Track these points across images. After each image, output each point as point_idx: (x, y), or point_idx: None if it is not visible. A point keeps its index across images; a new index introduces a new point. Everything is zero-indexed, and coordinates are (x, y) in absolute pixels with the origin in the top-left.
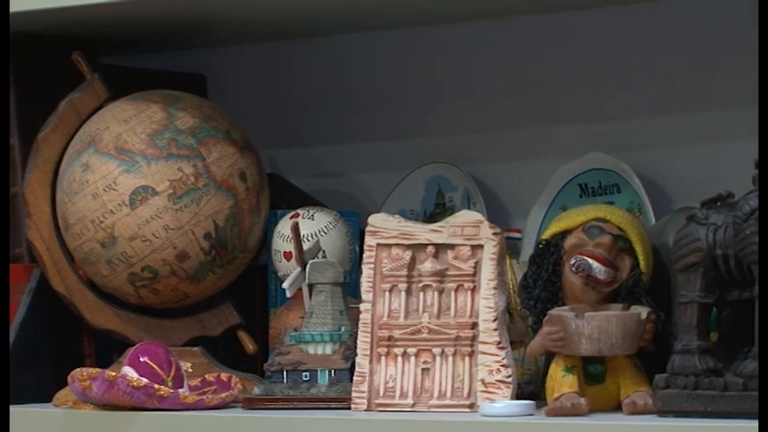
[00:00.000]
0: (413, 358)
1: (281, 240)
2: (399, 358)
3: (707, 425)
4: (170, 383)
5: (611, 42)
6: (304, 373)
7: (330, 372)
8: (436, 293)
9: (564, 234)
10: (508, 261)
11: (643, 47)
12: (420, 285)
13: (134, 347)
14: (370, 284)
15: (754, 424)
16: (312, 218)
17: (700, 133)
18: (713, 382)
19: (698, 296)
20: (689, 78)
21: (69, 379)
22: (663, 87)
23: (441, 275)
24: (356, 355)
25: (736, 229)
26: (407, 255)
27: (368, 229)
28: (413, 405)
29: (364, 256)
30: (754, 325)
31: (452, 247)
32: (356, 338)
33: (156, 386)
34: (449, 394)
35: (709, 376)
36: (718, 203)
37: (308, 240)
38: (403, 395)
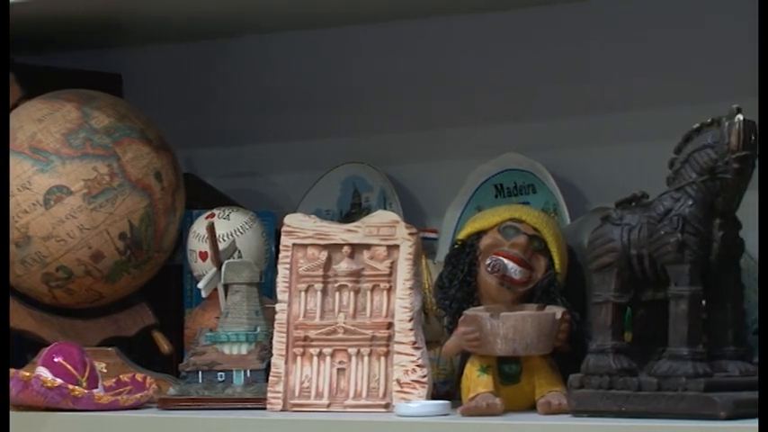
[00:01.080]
0: (328, 358)
1: (197, 240)
2: (315, 358)
3: (621, 424)
4: (84, 384)
5: (526, 43)
6: (219, 374)
7: (245, 372)
8: (352, 293)
9: (479, 234)
10: (424, 261)
11: (556, 48)
12: (336, 285)
13: (48, 348)
14: (286, 284)
15: (668, 423)
16: (228, 218)
17: (615, 134)
18: (627, 382)
19: (612, 296)
20: (604, 79)
21: None
22: (577, 88)
23: (356, 275)
24: (272, 355)
25: (650, 230)
26: (323, 255)
27: (284, 229)
28: (328, 405)
29: (280, 256)
30: (668, 325)
31: (368, 247)
32: (272, 339)
33: (71, 387)
34: (364, 394)
35: (624, 376)
36: (633, 204)
37: (224, 240)
38: (318, 395)
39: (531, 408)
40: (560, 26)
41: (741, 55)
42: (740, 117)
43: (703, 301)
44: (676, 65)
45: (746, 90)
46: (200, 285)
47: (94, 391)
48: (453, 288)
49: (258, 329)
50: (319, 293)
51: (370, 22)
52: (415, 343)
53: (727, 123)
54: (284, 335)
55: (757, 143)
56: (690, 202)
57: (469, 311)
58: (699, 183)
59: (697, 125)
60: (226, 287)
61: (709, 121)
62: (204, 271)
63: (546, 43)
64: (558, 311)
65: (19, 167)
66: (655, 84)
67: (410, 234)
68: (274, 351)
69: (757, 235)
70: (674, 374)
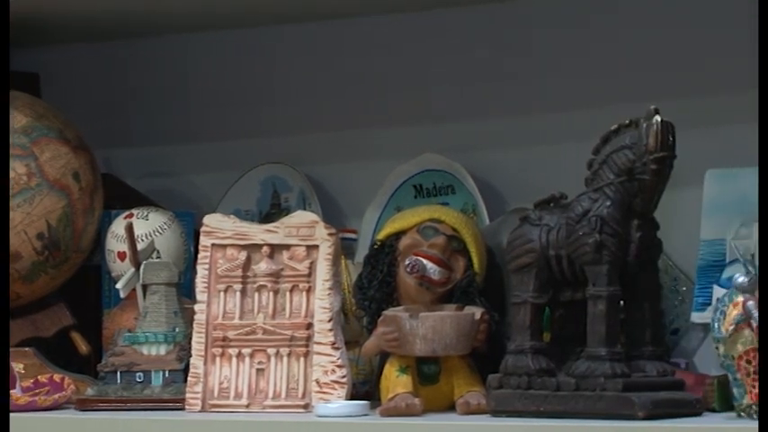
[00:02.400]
0: (248, 359)
1: (115, 241)
2: (234, 359)
3: (539, 424)
4: None
5: (445, 44)
6: (138, 374)
7: (164, 372)
8: (271, 294)
9: (398, 235)
10: (343, 261)
11: (475, 48)
12: (255, 286)
13: None
14: (205, 285)
15: (587, 423)
16: (146, 218)
17: (533, 135)
18: (546, 382)
19: (531, 297)
20: (523, 80)
21: None
22: (496, 89)
23: (276, 276)
24: (190, 355)
25: (568, 230)
26: (242, 255)
27: (203, 229)
28: (247, 405)
29: (199, 256)
30: (586, 325)
31: (288, 247)
32: (190, 339)
33: None
34: (283, 395)
35: (542, 376)
36: (552, 204)
37: (143, 241)
38: (238, 396)
39: (450, 408)
40: (479, 27)
41: (659, 56)
42: (658, 118)
43: (621, 302)
44: (595, 66)
45: (664, 91)
46: (118, 286)
47: (12, 391)
48: (372, 288)
49: (177, 330)
50: (238, 294)
51: (289, 22)
52: (334, 343)
53: (645, 124)
54: (203, 335)
55: (674, 144)
56: (608, 203)
57: (389, 312)
58: (617, 184)
59: (615, 126)
60: (144, 287)
61: (627, 122)
62: (123, 271)
63: (465, 44)
64: (476, 312)
65: None
66: (573, 85)
67: (329, 234)
68: (193, 352)
69: (674, 236)
70: (593, 375)
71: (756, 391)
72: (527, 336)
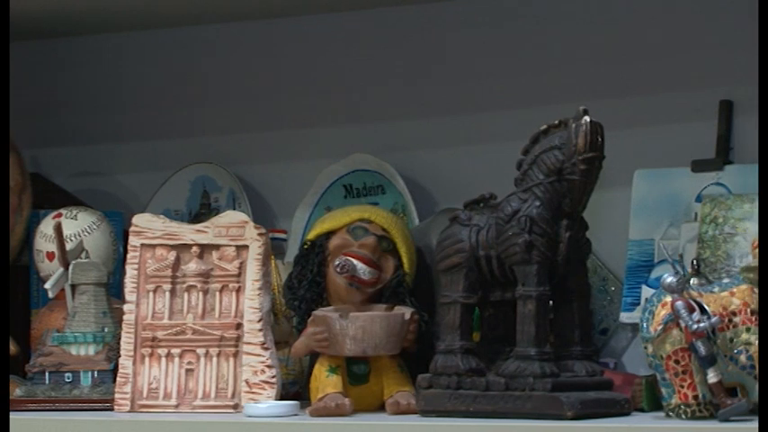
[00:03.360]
0: (177, 359)
1: (44, 240)
2: (163, 359)
3: (469, 424)
4: None
5: (374, 43)
6: (66, 375)
7: (93, 373)
8: (201, 294)
9: (328, 235)
10: (273, 262)
11: (405, 48)
12: (184, 286)
13: None
14: (134, 285)
15: (516, 423)
16: (75, 218)
17: (463, 135)
18: (475, 382)
19: (461, 297)
20: (452, 80)
21: None
22: (426, 89)
23: (205, 276)
24: (119, 356)
25: (498, 231)
26: (172, 255)
27: (132, 229)
28: (177, 406)
29: (128, 256)
30: (516, 325)
31: (217, 247)
32: (119, 339)
33: None
34: (213, 395)
35: (472, 376)
36: (481, 205)
37: (71, 240)
38: (167, 396)
39: (380, 408)
40: (409, 27)
41: (588, 56)
42: (587, 119)
43: (550, 302)
44: (524, 66)
45: (593, 92)
46: (46, 286)
47: None
48: (302, 288)
49: (106, 330)
50: (168, 294)
51: (217, 21)
52: (263, 344)
53: (574, 125)
54: (132, 336)
55: (603, 145)
56: (537, 203)
57: (318, 312)
58: (546, 184)
59: (544, 127)
60: (73, 287)
61: (556, 122)
62: (51, 271)
63: (395, 44)
64: (406, 312)
65: None
66: (503, 85)
67: (259, 234)
68: (122, 352)
69: (603, 236)
70: (522, 374)
71: (685, 390)
72: (457, 336)
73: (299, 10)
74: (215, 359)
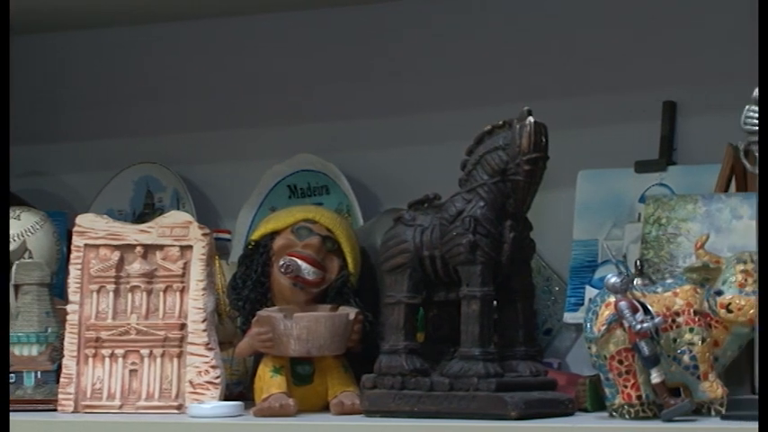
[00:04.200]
0: (121, 359)
1: None
2: (107, 359)
3: (413, 424)
4: None
5: (319, 43)
6: (10, 375)
7: (36, 373)
8: (145, 294)
9: (273, 235)
10: (217, 262)
11: (350, 48)
12: (128, 286)
13: None
14: (78, 285)
15: (460, 423)
16: (18, 218)
17: (407, 135)
18: (420, 382)
19: (405, 297)
20: (397, 80)
21: None
22: (370, 89)
23: (149, 276)
24: (63, 356)
25: (442, 231)
26: (116, 255)
27: (75, 229)
28: (120, 406)
29: (72, 256)
30: (460, 325)
31: (161, 247)
32: (63, 340)
33: None
34: (157, 395)
35: (416, 376)
36: (425, 205)
37: (15, 241)
38: (110, 396)
39: (325, 408)
40: (353, 27)
41: (532, 57)
42: (531, 119)
43: (494, 302)
44: (468, 67)
45: (537, 92)
46: None
47: None
48: (247, 289)
49: (49, 330)
50: (111, 294)
51: (162, 21)
52: (208, 344)
53: (518, 126)
54: (76, 336)
55: (547, 145)
56: (481, 204)
57: (263, 312)
58: (490, 184)
59: (488, 127)
60: (16, 288)
61: (500, 123)
62: None
63: (339, 44)
64: (351, 312)
65: None
66: (447, 85)
67: (203, 235)
68: (66, 352)
69: (547, 236)
70: (466, 375)
71: (628, 390)
72: (401, 336)
73: (244, 9)
74: (159, 360)
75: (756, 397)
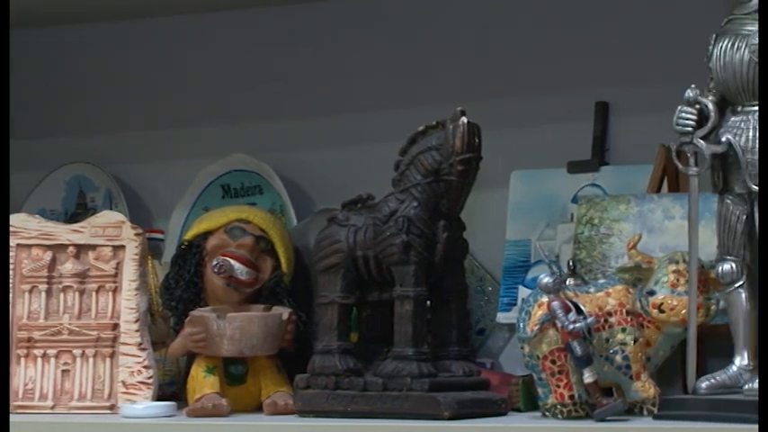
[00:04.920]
0: (53, 360)
1: None
2: (39, 360)
3: (346, 424)
4: None
5: (251, 43)
6: None
7: None
8: (77, 294)
9: (206, 235)
10: (150, 262)
11: (281, 48)
12: (61, 286)
13: None
14: (10, 285)
15: (393, 423)
16: None
17: (340, 135)
18: (353, 383)
19: (338, 297)
20: (328, 81)
21: None
22: (300, 90)
23: (82, 276)
24: None
25: (375, 231)
26: (48, 255)
27: None
28: (53, 407)
29: None
30: (394, 325)
31: (94, 247)
32: None
33: None
34: (89, 396)
35: (349, 376)
36: (359, 205)
37: None
38: (43, 397)
39: (258, 408)
40: (286, 27)
41: (465, 58)
42: (464, 120)
43: (428, 302)
44: (402, 67)
45: (470, 93)
46: None
47: None
48: (180, 289)
49: None
50: (44, 294)
51: (93, 21)
52: (140, 344)
53: (451, 126)
54: (7, 336)
55: (480, 146)
56: (415, 204)
57: (196, 312)
58: (423, 184)
59: (422, 127)
60: None
61: (433, 123)
62: None
63: (271, 44)
64: (284, 312)
65: None
66: (380, 86)
67: (136, 234)
68: None
69: (480, 236)
70: (399, 375)
71: (561, 390)
72: (334, 336)
73: (176, 9)
74: (91, 360)
75: (688, 396)
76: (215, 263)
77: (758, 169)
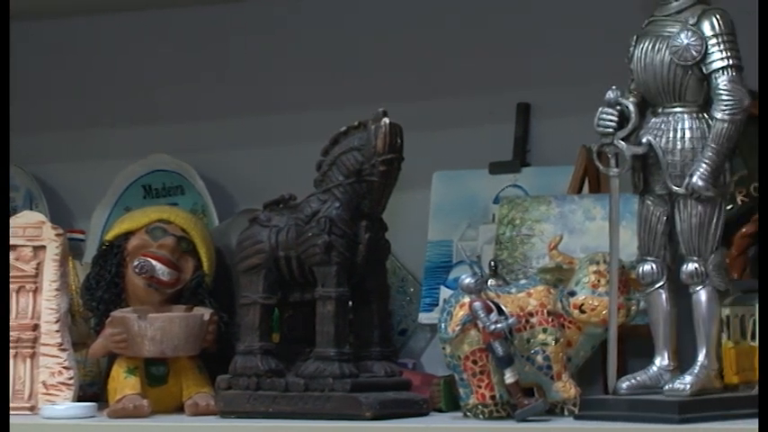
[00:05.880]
0: None
1: None
2: None
3: (268, 425)
4: None
5: (172, 44)
6: None
7: None
8: None
9: (127, 235)
10: (71, 262)
11: (202, 48)
12: None
13: None
14: None
15: (315, 424)
16: None
17: (262, 136)
18: (275, 383)
19: (260, 297)
20: (251, 81)
21: None
22: (224, 90)
23: None
24: None
25: (298, 231)
26: None
27: None
28: None
29: None
30: (316, 326)
31: (14, 248)
32: None
33: None
34: (9, 396)
35: (271, 377)
36: (281, 206)
37: None
38: None
39: (179, 409)
40: (207, 27)
41: (388, 58)
42: (386, 120)
43: (350, 303)
44: (322, 68)
45: (392, 94)
46: None
47: None
48: (101, 289)
49: None
50: None
51: (14, 19)
52: (61, 345)
53: (373, 127)
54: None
55: (402, 146)
56: (337, 204)
57: (117, 313)
58: (346, 185)
59: (344, 128)
60: None
61: (356, 124)
62: None
63: (193, 44)
64: (206, 313)
65: None
66: (303, 86)
67: (57, 235)
68: None
69: (402, 237)
70: (321, 375)
71: (482, 391)
72: (256, 337)
73: (97, 8)
74: (12, 360)
75: (609, 397)
76: (136, 263)
77: (759, 170)
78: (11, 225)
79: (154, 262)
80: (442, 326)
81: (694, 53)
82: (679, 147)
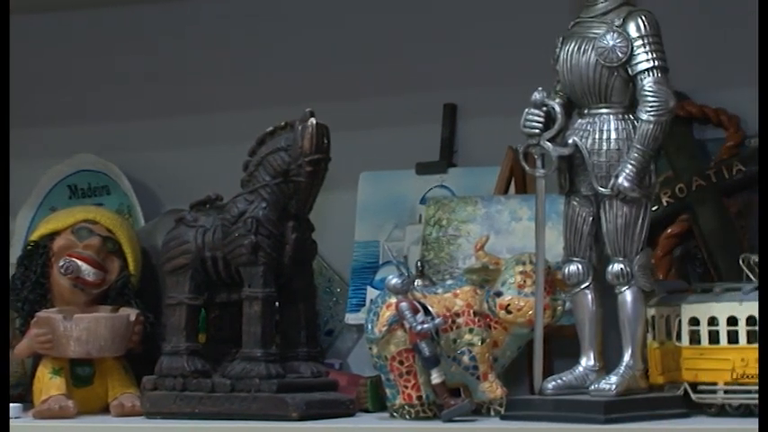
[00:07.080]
0: None
1: None
2: None
3: (194, 426)
4: None
5: (99, 44)
6: None
7: None
8: None
9: (53, 236)
10: None
11: (133, 49)
12: None
13: None
14: None
15: (241, 425)
16: None
17: (189, 136)
18: (201, 384)
19: (187, 298)
20: (177, 81)
21: None
22: (152, 90)
23: None
24: None
25: (224, 232)
26: None
27: None
28: None
29: None
30: (242, 326)
31: None
32: None
33: None
34: None
35: (197, 378)
36: (207, 206)
37: None
38: None
39: (105, 410)
40: (137, 27)
41: (314, 59)
42: (313, 121)
43: (276, 303)
44: (249, 68)
45: (319, 94)
46: None
47: None
48: (26, 290)
49: None
50: None
51: None
52: None
53: (300, 127)
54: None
55: (329, 147)
56: (263, 205)
57: (42, 313)
58: (272, 185)
59: (271, 128)
60: None
61: (282, 124)
62: None
63: (119, 44)
64: (131, 313)
65: None
66: (230, 86)
67: None
68: None
69: (328, 237)
70: (248, 376)
71: (409, 391)
72: (182, 337)
73: (21, 8)
74: None
75: (535, 397)
76: (61, 263)
77: (759, 169)
78: None
79: (79, 262)
80: (369, 326)
81: (620, 54)
82: (605, 148)
